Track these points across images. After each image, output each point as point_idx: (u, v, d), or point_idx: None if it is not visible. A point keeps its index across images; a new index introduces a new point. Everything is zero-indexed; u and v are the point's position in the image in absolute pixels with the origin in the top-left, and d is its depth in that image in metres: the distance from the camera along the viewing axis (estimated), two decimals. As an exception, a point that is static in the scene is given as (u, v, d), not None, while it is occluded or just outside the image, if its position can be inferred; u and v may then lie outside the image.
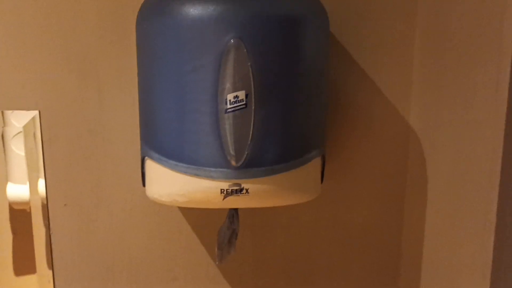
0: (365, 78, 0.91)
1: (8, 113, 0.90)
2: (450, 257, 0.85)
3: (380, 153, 0.93)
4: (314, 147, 0.77)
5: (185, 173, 0.73)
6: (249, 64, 0.69)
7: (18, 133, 0.93)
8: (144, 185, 0.80)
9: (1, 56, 0.85)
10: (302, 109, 0.75)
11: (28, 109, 0.87)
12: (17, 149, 0.93)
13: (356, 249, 0.96)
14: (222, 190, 0.72)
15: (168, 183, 0.75)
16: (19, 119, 0.91)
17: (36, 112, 0.88)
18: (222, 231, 0.83)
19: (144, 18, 0.74)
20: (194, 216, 0.92)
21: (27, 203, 0.94)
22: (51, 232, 0.92)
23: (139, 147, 0.85)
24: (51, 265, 0.94)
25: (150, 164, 0.77)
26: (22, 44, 0.85)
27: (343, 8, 0.87)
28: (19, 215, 0.94)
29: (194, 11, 0.69)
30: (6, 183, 0.92)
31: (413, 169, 0.94)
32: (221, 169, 0.72)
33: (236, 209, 0.82)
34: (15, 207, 0.94)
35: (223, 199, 0.73)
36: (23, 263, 0.95)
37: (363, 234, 0.96)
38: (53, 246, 0.92)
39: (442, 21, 0.85)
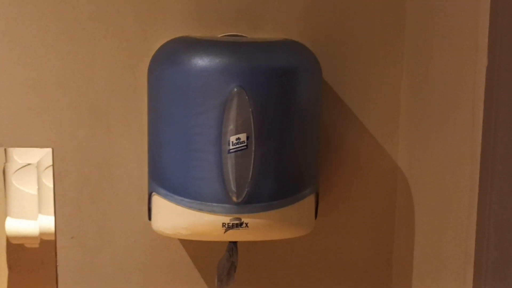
0: (355, 120, 1.01)
1: (11, 149, 0.97)
2: (436, 284, 0.94)
3: (370, 190, 1.03)
4: (308, 185, 0.87)
5: (190, 207, 0.82)
6: (250, 109, 0.80)
7: (19, 168, 0.99)
8: (149, 218, 0.89)
9: (18, 98, 0.94)
10: (297, 150, 0.85)
11: (42, 146, 0.96)
12: (18, 184, 0.99)
13: (348, 281, 1.04)
14: (224, 224, 0.81)
15: (173, 217, 0.84)
16: (34, 156, 0.98)
17: (49, 150, 0.96)
18: (222, 264, 0.91)
19: (156, 67, 0.85)
20: (195, 249, 0.99)
21: (25, 237, 0.99)
22: (57, 264, 0.98)
23: (143, 183, 0.93)
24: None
25: (156, 199, 0.86)
26: (38, 87, 0.94)
27: (334, 56, 0.98)
28: (16, 250, 1.00)
29: (202, 62, 0.80)
30: (5, 218, 0.98)
31: (401, 204, 1.03)
32: (223, 204, 0.81)
33: (235, 243, 0.91)
34: (14, 241, 0.99)
35: (224, 232, 0.82)
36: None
37: (355, 265, 1.04)
38: (58, 277, 0.98)
39: (425, 68, 0.96)
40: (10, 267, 1.00)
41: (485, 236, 0.80)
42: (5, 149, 0.97)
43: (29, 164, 0.99)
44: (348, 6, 0.98)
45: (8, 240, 0.99)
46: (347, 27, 0.98)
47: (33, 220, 0.99)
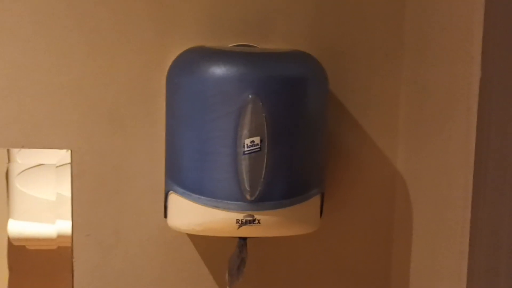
0: (357, 126, 1.08)
1: (14, 150, 1.02)
2: (432, 283, 1.03)
3: (370, 193, 1.10)
4: (314, 186, 0.95)
5: (206, 205, 0.90)
6: (263, 115, 0.88)
7: (23, 170, 1.04)
8: (165, 216, 0.97)
9: (39, 101, 1.00)
10: (305, 152, 0.93)
11: (61, 148, 1.02)
12: (21, 186, 1.04)
13: (348, 280, 1.12)
14: (238, 220, 0.89)
15: (190, 214, 0.92)
16: (39, 158, 1.03)
17: (68, 151, 1.02)
18: (233, 260, 0.99)
19: (175, 75, 0.93)
20: (206, 246, 1.06)
21: (27, 239, 1.04)
22: (73, 260, 1.04)
23: (158, 183, 1.00)
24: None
25: (173, 198, 0.94)
26: (58, 91, 1.01)
27: (337, 66, 1.05)
28: (17, 252, 1.05)
29: (219, 71, 0.88)
30: (8, 220, 1.03)
31: (400, 207, 1.10)
32: (237, 202, 0.89)
33: (245, 240, 0.98)
34: (16, 243, 1.04)
35: (238, 228, 0.90)
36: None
37: (355, 265, 1.11)
38: (74, 273, 1.04)
39: (423, 79, 1.03)
40: (10, 269, 1.05)
41: (477, 237, 0.87)
42: (7, 150, 1.02)
43: (36, 165, 1.04)
44: (351, 19, 1.05)
45: (9, 242, 1.04)
46: (350, 39, 1.06)
47: (37, 222, 1.05)
